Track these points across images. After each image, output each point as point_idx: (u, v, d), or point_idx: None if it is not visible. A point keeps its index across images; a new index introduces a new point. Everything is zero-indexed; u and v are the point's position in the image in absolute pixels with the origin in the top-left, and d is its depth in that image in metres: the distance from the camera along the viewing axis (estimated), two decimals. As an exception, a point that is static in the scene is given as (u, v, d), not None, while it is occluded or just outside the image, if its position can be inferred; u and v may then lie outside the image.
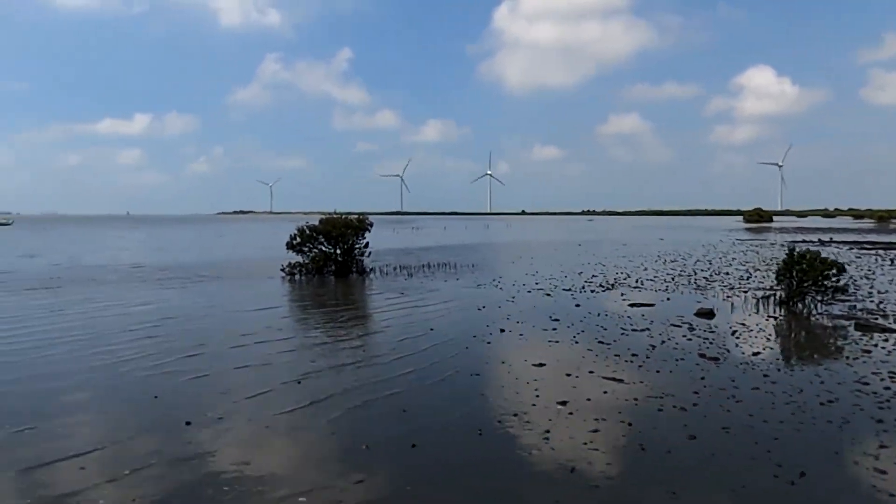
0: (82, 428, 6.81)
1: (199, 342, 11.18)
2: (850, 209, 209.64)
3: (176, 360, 9.81)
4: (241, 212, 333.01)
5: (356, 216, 23.74)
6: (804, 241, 44.17)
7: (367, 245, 23.59)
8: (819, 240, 46.23)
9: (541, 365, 9.43)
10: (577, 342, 11.24)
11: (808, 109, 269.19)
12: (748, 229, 79.23)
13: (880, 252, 33.48)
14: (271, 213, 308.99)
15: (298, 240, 23.16)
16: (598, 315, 13.99)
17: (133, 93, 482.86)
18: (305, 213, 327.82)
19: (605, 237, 58.98)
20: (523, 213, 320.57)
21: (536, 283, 20.22)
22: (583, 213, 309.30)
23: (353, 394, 8.02)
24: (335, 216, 23.53)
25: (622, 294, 17.55)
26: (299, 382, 8.56)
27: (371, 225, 23.66)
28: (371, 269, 23.80)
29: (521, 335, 11.99)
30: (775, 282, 16.17)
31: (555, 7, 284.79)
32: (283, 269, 23.00)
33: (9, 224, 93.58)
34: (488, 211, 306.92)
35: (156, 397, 7.92)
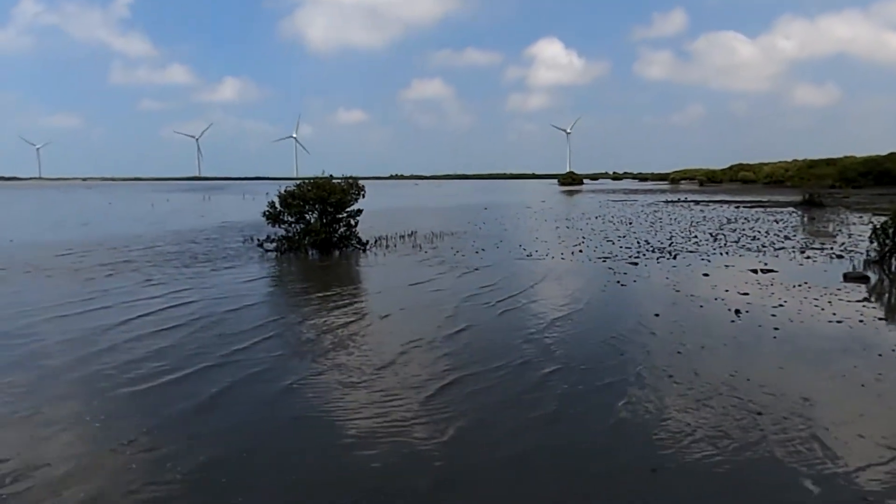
0: None
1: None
2: (625, 172, 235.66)
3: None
4: (1, 178, 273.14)
5: (344, 179, 19.59)
6: (669, 202, 48.01)
7: (359, 213, 19.54)
8: (683, 199, 50.50)
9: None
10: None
11: (592, 81, 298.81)
12: (568, 192, 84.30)
13: (777, 209, 36.79)
14: (41, 178, 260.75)
15: (279, 208, 18.47)
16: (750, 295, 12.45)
17: None
18: (84, 179, 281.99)
19: (491, 200, 57.88)
20: (331, 178, 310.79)
21: (572, 252, 18.33)
22: (391, 177, 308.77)
23: None
24: (323, 179, 19.18)
25: (706, 261, 16.26)
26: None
27: (363, 189, 19.64)
28: (368, 242, 19.74)
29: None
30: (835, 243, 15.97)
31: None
32: (260, 245, 18.27)
33: None
34: (295, 176, 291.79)
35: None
